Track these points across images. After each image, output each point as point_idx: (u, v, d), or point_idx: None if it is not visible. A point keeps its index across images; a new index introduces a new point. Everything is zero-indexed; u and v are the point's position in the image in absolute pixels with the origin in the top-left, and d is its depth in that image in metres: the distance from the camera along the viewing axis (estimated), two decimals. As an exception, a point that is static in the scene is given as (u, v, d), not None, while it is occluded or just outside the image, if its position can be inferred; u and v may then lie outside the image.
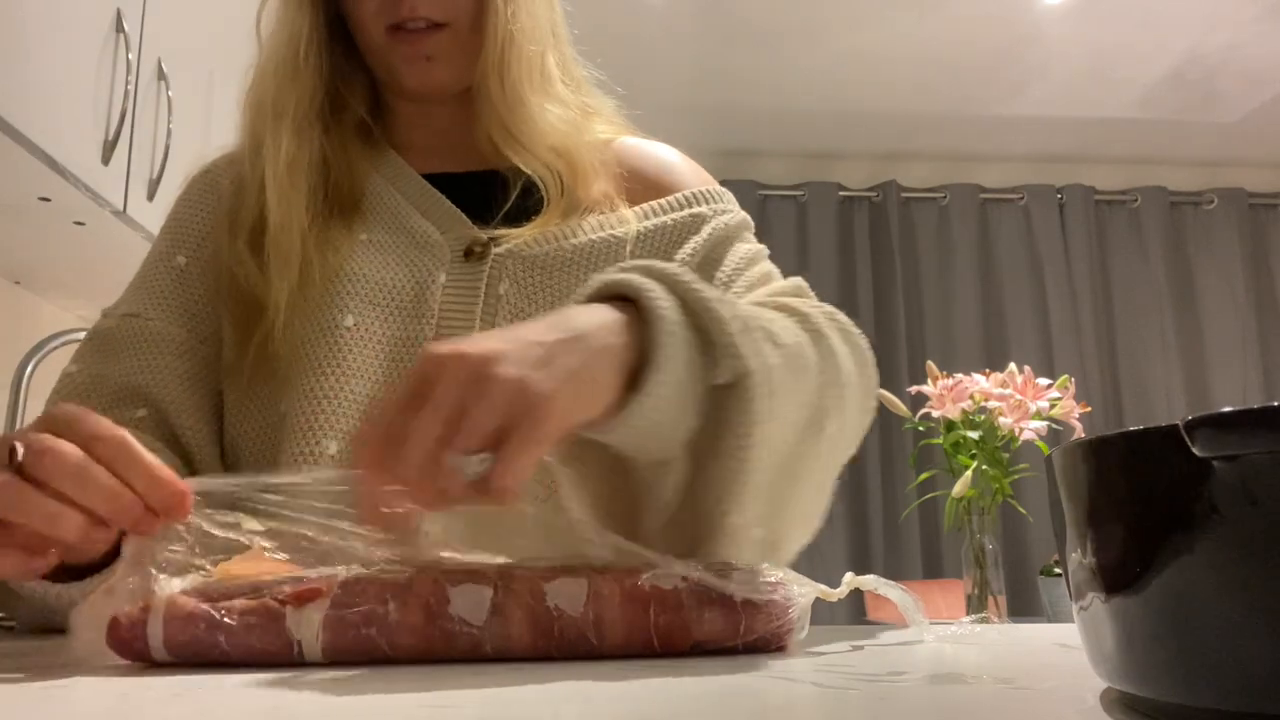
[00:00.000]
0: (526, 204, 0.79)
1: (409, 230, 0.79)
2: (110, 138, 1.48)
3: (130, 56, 1.51)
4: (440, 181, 0.82)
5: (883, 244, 3.67)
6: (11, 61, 1.26)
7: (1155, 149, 3.70)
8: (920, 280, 3.66)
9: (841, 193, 3.71)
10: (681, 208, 0.82)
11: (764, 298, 0.69)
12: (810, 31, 2.97)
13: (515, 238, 0.77)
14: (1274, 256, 3.77)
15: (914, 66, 3.16)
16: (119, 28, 1.50)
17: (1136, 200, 3.74)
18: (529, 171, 0.80)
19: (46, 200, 1.47)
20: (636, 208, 0.81)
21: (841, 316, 0.67)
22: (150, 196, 1.61)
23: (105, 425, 0.48)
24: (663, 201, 0.82)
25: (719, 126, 3.49)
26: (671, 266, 0.53)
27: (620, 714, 0.32)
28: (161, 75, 1.64)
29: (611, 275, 0.52)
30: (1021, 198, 3.72)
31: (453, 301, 0.75)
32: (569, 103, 0.84)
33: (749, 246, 0.81)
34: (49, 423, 0.48)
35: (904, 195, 3.72)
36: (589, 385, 0.47)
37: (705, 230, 0.80)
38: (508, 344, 0.45)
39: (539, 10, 0.83)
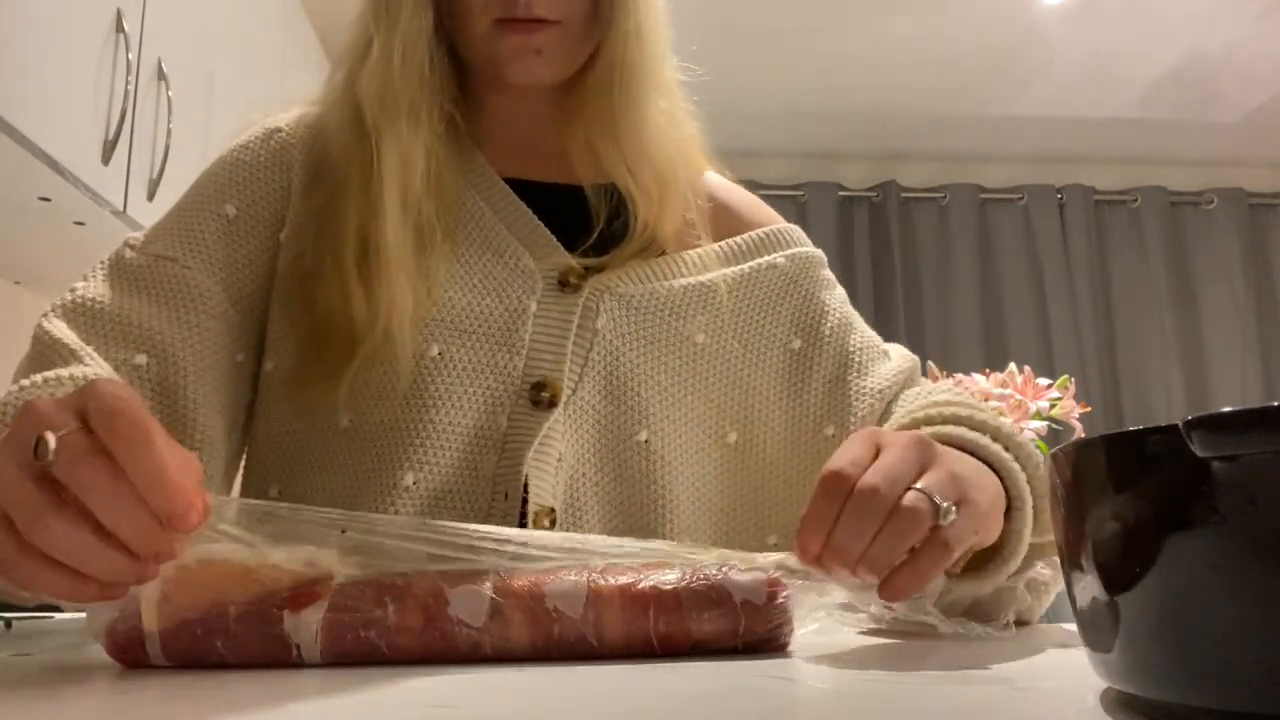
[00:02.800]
0: (607, 229, 0.76)
1: (499, 251, 0.74)
2: (110, 138, 1.47)
3: (130, 56, 1.51)
4: (521, 190, 0.77)
5: (883, 244, 3.66)
6: (11, 61, 1.26)
7: (1155, 149, 3.69)
8: (920, 280, 3.65)
9: (841, 193, 3.70)
10: (760, 251, 0.82)
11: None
12: (810, 32, 2.96)
13: (605, 267, 0.75)
14: (1274, 256, 3.76)
15: (914, 66, 3.16)
16: (119, 28, 1.50)
17: (1136, 200, 3.73)
18: (622, 187, 0.76)
19: (46, 200, 1.47)
20: (717, 245, 0.80)
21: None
22: (150, 196, 1.61)
23: (130, 404, 0.41)
24: (741, 241, 0.82)
25: (719, 126, 3.48)
26: (985, 415, 0.62)
27: (620, 714, 0.32)
28: (161, 75, 1.63)
29: (962, 433, 0.60)
30: (1021, 198, 3.71)
31: (543, 333, 0.72)
32: (680, 121, 0.81)
33: (838, 305, 0.83)
34: (82, 406, 0.41)
35: (904, 195, 3.72)
36: (984, 534, 0.55)
37: (801, 291, 0.82)
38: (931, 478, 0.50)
39: (660, 12, 0.78)
